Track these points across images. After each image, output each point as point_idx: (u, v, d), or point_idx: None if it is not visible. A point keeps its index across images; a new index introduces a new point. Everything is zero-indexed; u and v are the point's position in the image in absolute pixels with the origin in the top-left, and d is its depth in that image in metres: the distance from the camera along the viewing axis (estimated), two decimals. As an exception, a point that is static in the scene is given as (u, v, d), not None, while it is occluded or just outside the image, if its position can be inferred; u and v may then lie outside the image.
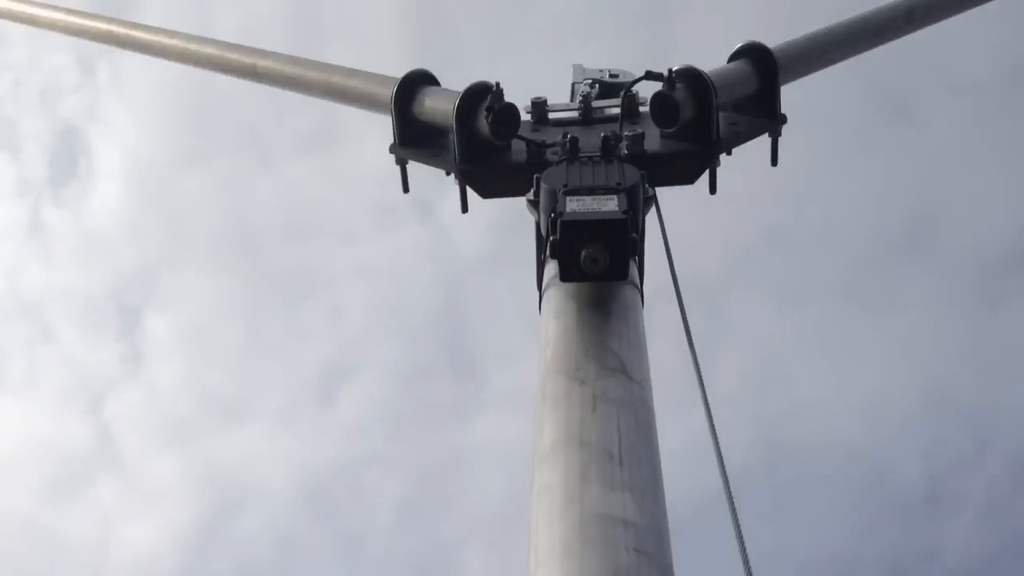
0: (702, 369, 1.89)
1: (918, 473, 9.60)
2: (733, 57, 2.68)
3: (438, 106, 2.65)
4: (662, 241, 2.28)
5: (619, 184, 2.15)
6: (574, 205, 2.08)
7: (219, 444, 10.28)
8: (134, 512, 10.29)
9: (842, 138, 8.89)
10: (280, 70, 3.22)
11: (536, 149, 2.54)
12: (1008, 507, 9.40)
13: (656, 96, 2.51)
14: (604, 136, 2.38)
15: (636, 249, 2.06)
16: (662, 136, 2.57)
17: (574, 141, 2.38)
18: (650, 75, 2.50)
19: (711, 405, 1.82)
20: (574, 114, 2.83)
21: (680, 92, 2.48)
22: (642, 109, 2.77)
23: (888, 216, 9.67)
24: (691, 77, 2.49)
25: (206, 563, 10.00)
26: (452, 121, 2.56)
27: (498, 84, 2.53)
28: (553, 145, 2.49)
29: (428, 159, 2.70)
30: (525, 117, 2.78)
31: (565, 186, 2.16)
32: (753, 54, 2.64)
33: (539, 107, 2.83)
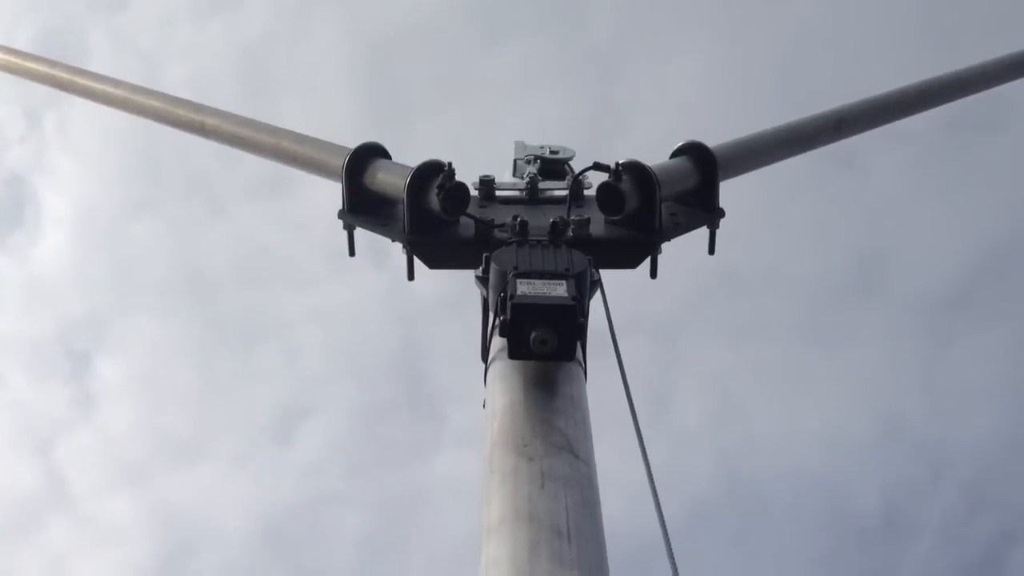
0: (646, 451, 1.96)
1: (876, 501, 9.87)
2: (676, 154, 2.81)
3: (389, 180, 2.72)
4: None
5: (568, 270, 2.23)
6: (524, 288, 2.15)
7: (174, 485, 10.22)
8: (88, 553, 10.20)
9: (791, 184, 9.22)
10: (228, 129, 3.25)
11: (484, 227, 2.62)
12: (963, 533, 9.76)
13: (603, 186, 2.62)
14: (553, 221, 2.47)
15: (583, 333, 2.14)
16: (606, 222, 2.68)
17: (523, 224, 2.47)
18: (598, 166, 2.62)
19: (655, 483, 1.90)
20: (521, 193, 2.93)
21: (626, 184, 2.60)
22: (587, 193, 2.89)
23: (838, 258, 10.03)
24: (636, 170, 2.61)
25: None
26: (403, 195, 2.63)
27: (450, 164, 2.61)
28: (502, 226, 2.57)
29: (376, 228, 2.76)
30: (473, 193, 2.87)
31: (515, 268, 2.23)
32: (694, 152, 2.78)
33: (487, 185, 2.92)
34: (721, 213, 2.77)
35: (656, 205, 2.61)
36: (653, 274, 2.68)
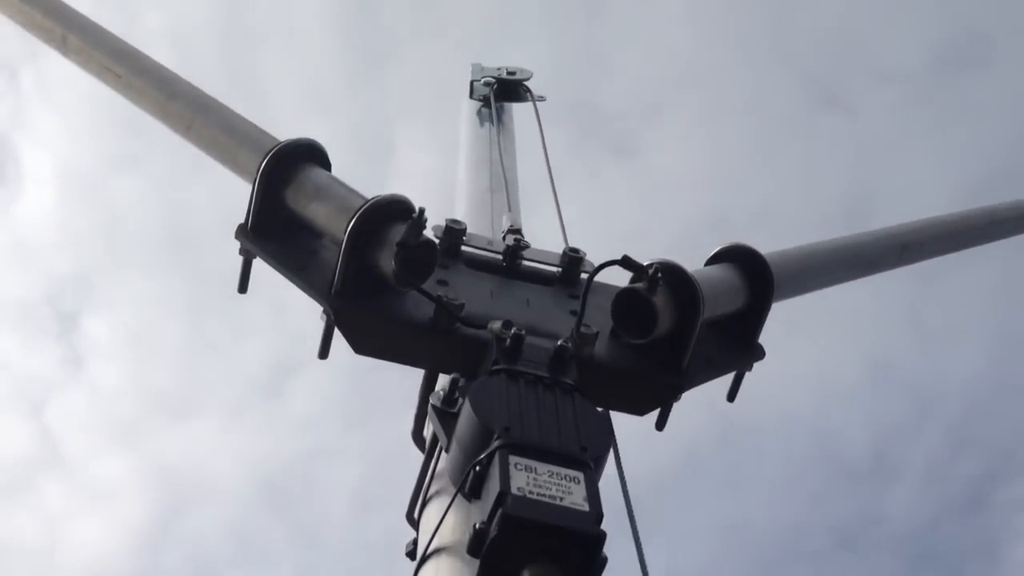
0: None
1: (864, 443, 9.77)
2: (716, 258, 2.05)
3: (324, 210, 1.86)
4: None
5: (585, 449, 1.45)
6: (523, 480, 1.36)
7: (167, 442, 9.72)
8: (83, 513, 9.75)
9: (778, 125, 9.14)
10: (97, 57, 2.29)
11: (446, 314, 1.79)
12: (949, 472, 9.73)
13: (629, 295, 1.83)
14: (560, 346, 1.68)
15: (602, 571, 1.36)
16: (612, 337, 1.90)
17: (518, 341, 1.66)
18: (628, 263, 1.82)
19: None
20: (496, 256, 2.11)
21: (661, 298, 1.82)
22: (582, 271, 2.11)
23: (825, 199, 9.83)
24: (679, 282, 1.83)
25: (160, 559, 9.46)
26: (341, 237, 1.78)
27: (421, 211, 1.77)
28: (480, 327, 1.75)
29: (288, 269, 1.89)
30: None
31: (507, 431, 1.44)
32: (745, 263, 2.02)
33: (453, 234, 2.09)
34: (760, 353, 2.03)
35: (694, 335, 1.84)
36: (661, 426, 1.92)
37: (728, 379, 2.05)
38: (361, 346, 1.82)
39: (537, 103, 3.59)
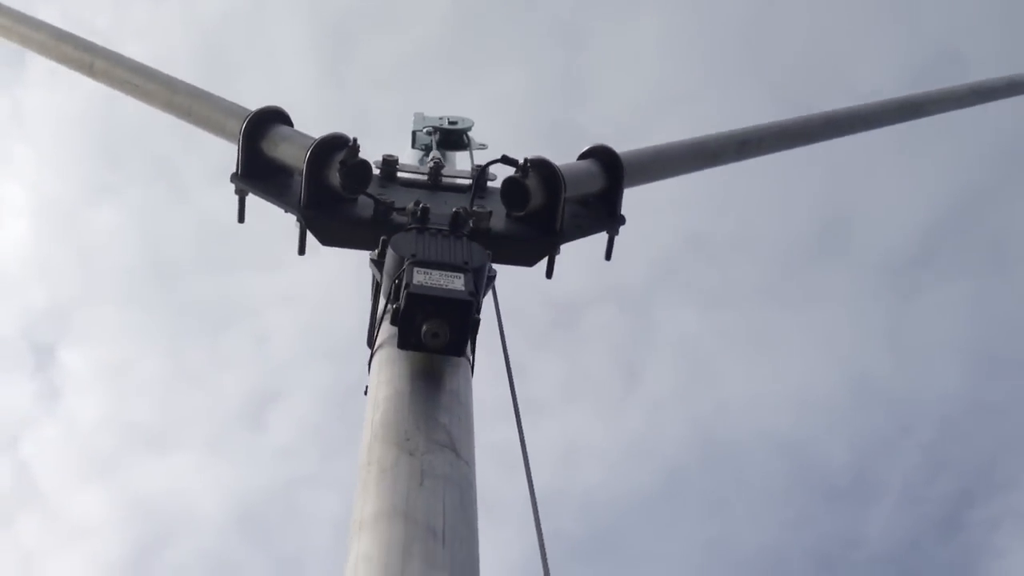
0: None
1: (842, 461, 9.98)
2: (584, 156, 2.79)
3: (289, 149, 2.62)
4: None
5: (466, 263, 2.19)
6: (421, 277, 2.10)
7: (146, 475, 9.88)
8: (59, 548, 9.89)
9: None
10: (119, 74, 3.08)
11: (383, 209, 2.54)
12: (925, 492, 10.06)
13: (508, 181, 2.58)
14: (455, 212, 2.42)
15: (476, 329, 2.10)
16: (507, 217, 2.64)
17: (425, 210, 2.41)
18: (507, 160, 2.57)
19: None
20: (423, 177, 2.86)
21: (532, 181, 2.56)
22: (490, 184, 2.85)
23: (802, 220, 10.14)
24: (544, 168, 2.58)
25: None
26: (302, 166, 2.54)
27: (355, 140, 2.53)
28: (402, 210, 2.50)
29: (271, 196, 2.65)
30: (375, 171, 2.79)
31: (413, 256, 2.17)
32: (603, 156, 2.76)
33: (390, 164, 2.84)
34: (622, 220, 2.77)
35: (560, 205, 2.58)
36: (549, 274, 2.66)
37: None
38: (325, 239, 2.58)
39: (476, 151, 3.57)
